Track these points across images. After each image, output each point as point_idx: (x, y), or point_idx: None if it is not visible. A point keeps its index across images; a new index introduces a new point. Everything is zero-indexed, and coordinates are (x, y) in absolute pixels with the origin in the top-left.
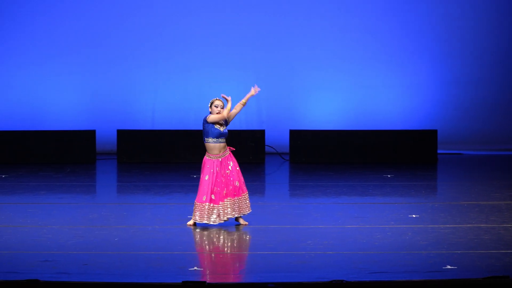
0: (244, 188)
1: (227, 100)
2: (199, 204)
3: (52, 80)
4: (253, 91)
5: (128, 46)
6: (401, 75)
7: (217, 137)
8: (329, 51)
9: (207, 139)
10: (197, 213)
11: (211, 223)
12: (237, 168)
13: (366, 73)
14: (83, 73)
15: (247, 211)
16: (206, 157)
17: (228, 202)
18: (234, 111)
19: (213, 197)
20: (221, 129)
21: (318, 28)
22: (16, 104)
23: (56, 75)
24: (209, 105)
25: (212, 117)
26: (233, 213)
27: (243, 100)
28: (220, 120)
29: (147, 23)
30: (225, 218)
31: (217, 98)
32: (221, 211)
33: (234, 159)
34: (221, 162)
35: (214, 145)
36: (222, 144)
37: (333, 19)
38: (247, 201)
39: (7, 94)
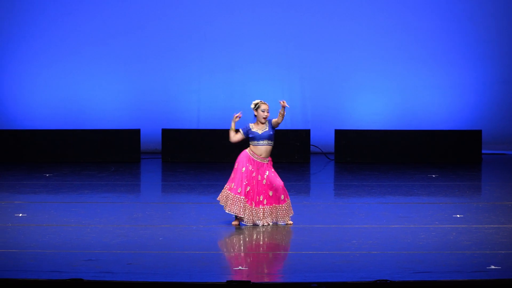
0: (282, 198)
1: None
2: (234, 195)
3: (97, 79)
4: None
5: (172, 45)
6: (445, 76)
7: (257, 140)
8: (374, 52)
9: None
10: (233, 205)
11: (245, 220)
12: (271, 177)
13: (411, 74)
14: (128, 72)
15: (286, 220)
16: (247, 151)
17: (262, 209)
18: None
19: (247, 189)
20: (259, 131)
21: (362, 29)
22: (61, 103)
23: (101, 74)
24: (253, 108)
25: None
26: (268, 220)
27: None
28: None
29: (191, 22)
30: (260, 224)
31: (262, 101)
32: (254, 215)
33: (271, 168)
34: (258, 164)
35: (255, 148)
36: (261, 148)
37: (378, 21)
38: (286, 211)
39: (52, 94)
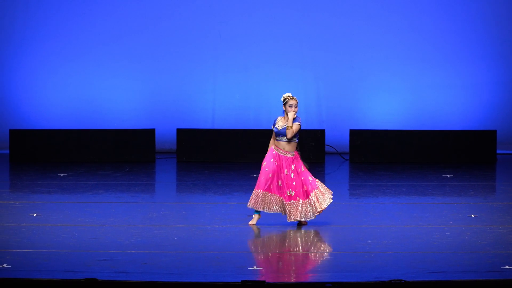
0: (297, 195)
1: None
2: (255, 191)
3: (112, 79)
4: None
5: (187, 44)
6: (460, 75)
7: (276, 135)
8: (389, 52)
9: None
10: (252, 199)
11: (266, 211)
12: (293, 175)
13: (425, 74)
14: (143, 72)
15: (298, 218)
16: (273, 146)
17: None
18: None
19: (271, 186)
20: (278, 127)
21: (377, 29)
22: (76, 103)
23: (116, 74)
24: (282, 101)
25: (289, 133)
26: (279, 209)
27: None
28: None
29: (206, 22)
30: (274, 210)
31: (290, 96)
32: (283, 207)
33: (295, 164)
34: (282, 158)
35: (277, 142)
36: (281, 143)
37: (392, 22)
38: (298, 208)
39: (67, 93)
